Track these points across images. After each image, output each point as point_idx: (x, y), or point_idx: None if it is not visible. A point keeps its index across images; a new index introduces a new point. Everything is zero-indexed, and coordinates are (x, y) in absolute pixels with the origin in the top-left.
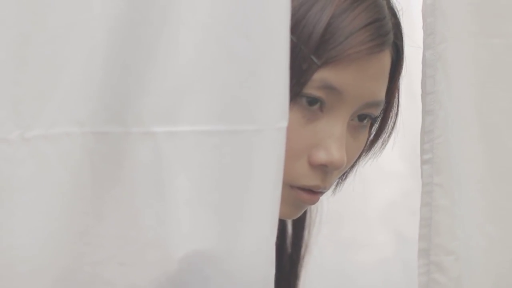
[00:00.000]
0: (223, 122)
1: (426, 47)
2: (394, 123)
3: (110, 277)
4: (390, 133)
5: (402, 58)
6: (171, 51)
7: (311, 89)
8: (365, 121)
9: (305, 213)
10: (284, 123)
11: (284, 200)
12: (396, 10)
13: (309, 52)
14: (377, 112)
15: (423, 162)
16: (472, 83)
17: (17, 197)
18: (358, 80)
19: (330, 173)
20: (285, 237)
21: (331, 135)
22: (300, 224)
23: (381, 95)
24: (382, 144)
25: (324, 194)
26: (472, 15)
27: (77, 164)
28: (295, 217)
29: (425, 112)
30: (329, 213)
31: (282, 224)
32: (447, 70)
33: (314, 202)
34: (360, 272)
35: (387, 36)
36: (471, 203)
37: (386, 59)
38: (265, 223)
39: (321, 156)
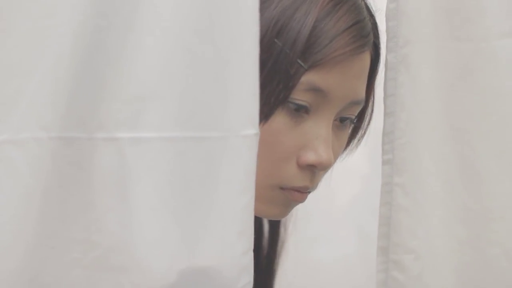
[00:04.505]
0: (187, 129)
1: (388, 50)
2: (369, 121)
3: (75, 281)
4: (365, 131)
5: (379, 57)
6: (135, 57)
7: (298, 92)
8: (346, 121)
9: None
10: (251, 131)
11: (275, 202)
12: (372, 10)
13: (295, 56)
14: (358, 111)
15: (384, 163)
16: (439, 85)
17: None
18: (342, 81)
19: (318, 173)
20: (261, 236)
21: (318, 136)
22: (276, 222)
23: (363, 93)
24: (357, 142)
25: None
26: (440, 18)
27: (44, 169)
28: (284, 216)
29: (386, 114)
30: (296, 212)
31: (258, 223)
32: (411, 72)
33: (303, 201)
34: (323, 267)
35: (368, 36)
36: (438, 203)
37: (366, 58)
38: (230, 230)
39: (309, 157)
